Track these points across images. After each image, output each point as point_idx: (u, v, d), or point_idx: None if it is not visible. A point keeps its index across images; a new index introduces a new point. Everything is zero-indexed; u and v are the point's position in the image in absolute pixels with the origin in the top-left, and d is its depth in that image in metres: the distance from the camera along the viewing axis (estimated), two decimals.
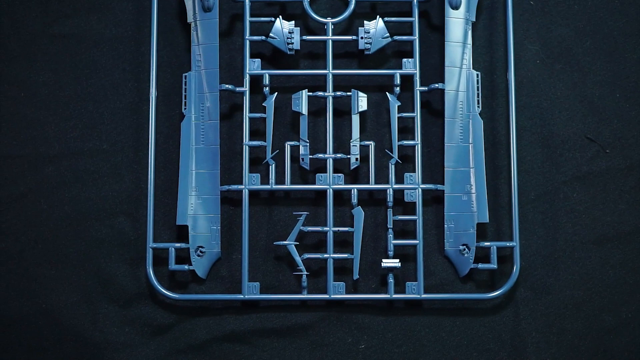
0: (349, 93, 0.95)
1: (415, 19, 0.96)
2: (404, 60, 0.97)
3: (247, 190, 0.94)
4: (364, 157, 0.95)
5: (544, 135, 0.98)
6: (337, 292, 0.94)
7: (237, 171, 0.96)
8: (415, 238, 0.94)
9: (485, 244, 0.95)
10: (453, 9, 0.96)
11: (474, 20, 0.97)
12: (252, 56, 0.97)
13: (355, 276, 0.94)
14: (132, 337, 0.95)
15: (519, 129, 0.97)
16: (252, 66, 0.96)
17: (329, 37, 0.96)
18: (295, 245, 0.94)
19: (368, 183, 0.95)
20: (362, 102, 0.95)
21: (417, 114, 0.95)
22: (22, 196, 0.96)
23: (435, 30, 0.99)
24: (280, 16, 0.96)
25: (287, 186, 0.95)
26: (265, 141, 0.95)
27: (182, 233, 0.95)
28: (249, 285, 0.94)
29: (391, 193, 0.95)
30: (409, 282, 0.95)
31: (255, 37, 0.96)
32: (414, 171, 0.95)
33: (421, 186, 0.95)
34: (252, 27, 0.97)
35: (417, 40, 0.96)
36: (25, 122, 0.97)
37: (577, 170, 0.97)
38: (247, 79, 0.96)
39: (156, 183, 0.95)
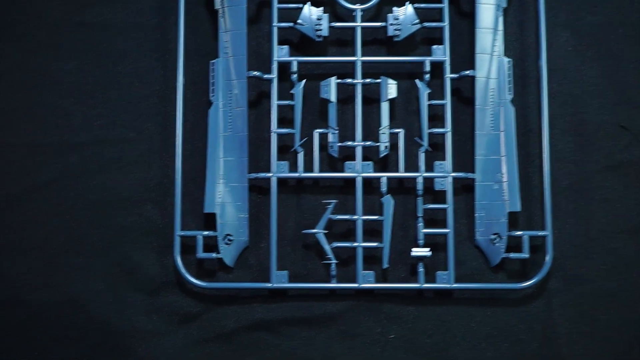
0: (377, 80, 0.94)
1: (445, 5, 0.95)
2: (434, 47, 0.95)
3: (275, 178, 0.93)
4: (393, 145, 0.94)
5: (576, 123, 0.96)
6: (367, 281, 0.92)
7: (264, 159, 0.95)
8: (445, 227, 0.93)
9: (517, 233, 0.93)
10: None
11: (505, 6, 0.95)
12: (280, 43, 0.95)
13: (385, 265, 0.92)
14: (159, 326, 0.94)
15: (551, 117, 0.95)
16: (280, 53, 0.95)
17: (357, 24, 0.95)
18: (324, 234, 0.92)
19: (397, 171, 0.94)
20: (391, 89, 0.94)
21: (448, 101, 0.94)
22: (47, 185, 0.95)
23: (465, 16, 0.98)
24: (309, 2, 0.95)
25: (315, 174, 0.93)
26: (293, 129, 0.93)
27: (209, 221, 0.94)
28: (277, 273, 0.92)
29: (421, 181, 0.93)
30: (440, 271, 0.93)
31: (283, 24, 0.95)
32: (444, 159, 0.94)
33: (452, 174, 0.93)
34: (280, 14, 0.95)
35: (447, 26, 0.95)
36: (50, 111, 0.96)
37: (610, 158, 0.96)
38: (275, 65, 0.94)
39: (183, 171, 0.94)
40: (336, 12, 0.98)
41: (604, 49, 0.97)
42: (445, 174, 0.93)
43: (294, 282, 0.93)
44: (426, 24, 0.95)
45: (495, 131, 0.94)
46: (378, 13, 0.98)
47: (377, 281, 0.93)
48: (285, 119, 0.95)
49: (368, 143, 0.93)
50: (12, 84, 0.96)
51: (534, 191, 0.95)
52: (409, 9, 0.95)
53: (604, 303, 0.94)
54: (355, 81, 0.94)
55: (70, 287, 0.94)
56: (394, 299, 0.94)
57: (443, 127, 0.94)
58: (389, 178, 0.93)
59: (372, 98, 0.95)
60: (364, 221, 0.93)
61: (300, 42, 0.97)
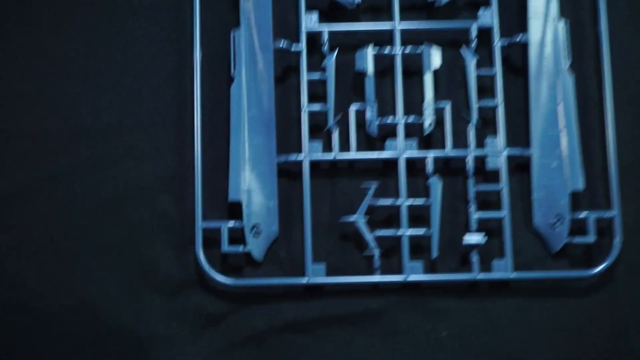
0: (419, 49, 0.85)
1: None
2: (480, 11, 0.86)
3: (307, 160, 0.84)
4: (439, 122, 0.85)
5: None
6: (414, 272, 0.83)
7: (293, 141, 0.86)
8: (499, 210, 0.84)
9: (581, 215, 0.83)
10: None
11: None
12: (308, 10, 0.86)
13: (434, 254, 0.83)
14: (181, 330, 0.85)
15: (613, 86, 0.85)
16: (309, 22, 0.86)
17: None
18: (365, 221, 0.83)
19: (444, 150, 0.85)
20: (435, 58, 0.85)
21: (498, 70, 0.85)
22: (53, 177, 0.86)
23: None
24: None
25: (352, 155, 0.84)
26: (326, 105, 0.84)
27: (233, 212, 0.85)
28: (313, 267, 0.83)
29: (472, 160, 0.84)
30: (496, 259, 0.84)
31: None
32: (495, 135, 0.85)
33: (506, 151, 0.84)
34: None
35: None
36: (56, 98, 0.88)
37: None
38: (303, 35, 0.85)
39: (203, 157, 0.85)
40: None
41: None
42: (498, 152, 0.84)
43: (332, 275, 0.83)
44: None
45: (552, 103, 0.85)
46: None
47: (426, 272, 0.84)
48: (315, 96, 0.86)
49: (411, 119, 0.84)
50: (16, 69, 0.88)
51: (597, 168, 0.86)
52: None
53: None
54: (395, 51, 0.85)
55: (80, 290, 0.85)
56: (443, 292, 0.85)
57: (493, 99, 0.85)
58: (435, 157, 0.84)
59: (411, 70, 0.86)
60: (409, 206, 0.84)
61: (329, 10, 0.88)
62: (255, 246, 0.84)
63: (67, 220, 0.86)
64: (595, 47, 0.87)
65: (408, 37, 0.86)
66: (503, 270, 0.83)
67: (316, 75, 0.85)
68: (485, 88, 0.86)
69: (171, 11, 0.88)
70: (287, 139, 0.86)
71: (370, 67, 0.84)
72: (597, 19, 0.86)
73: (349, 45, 0.86)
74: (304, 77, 0.85)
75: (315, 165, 0.85)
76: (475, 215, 0.84)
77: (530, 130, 0.85)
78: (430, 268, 0.84)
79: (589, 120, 0.86)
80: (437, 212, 0.83)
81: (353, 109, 0.85)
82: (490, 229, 0.85)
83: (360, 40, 0.86)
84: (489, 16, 0.86)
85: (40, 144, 0.87)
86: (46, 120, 0.87)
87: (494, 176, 0.85)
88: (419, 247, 0.84)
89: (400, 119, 0.84)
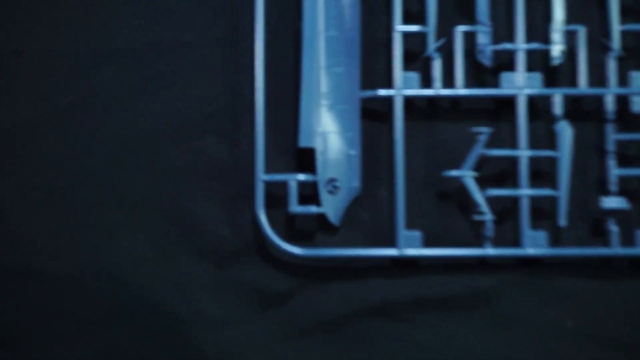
0: None
1: None
2: None
3: (401, 96, 0.68)
4: (569, 50, 0.69)
5: None
6: (536, 244, 0.67)
7: (381, 71, 0.70)
8: None
9: None
10: None
11: None
12: None
13: (562, 222, 0.67)
14: (232, 309, 0.70)
15: None
16: None
17: None
18: (473, 177, 0.67)
19: (575, 86, 0.68)
20: None
21: None
22: (70, 108, 0.71)
23: None
24: None
25: (458, 90, 0.68)
26: (424, 26, 0.68)
27: (304, 162, 0.70)
28: (406, 234, 0.67)
29: (611, 100, 0.68)
30: (638, 230, 0.68)
31: None
32: None
33: None
34: None
35: None
36: (72, 10, 0.72)
37: None
38: None
39: (266, 87, 0.69)
40: None
41: None
42: None
43: (429, 246, 0.68)
44: None
45: None
46: None
47: (549, 245, 0.68)
48: (409, 15, 0.70)
49: (534, 46, 0.68)
50: None
51: None
52: None
53: None
54: None
55: (104, 254, 0.70)
56: (571, 270, 0.69)
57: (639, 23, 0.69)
58: (564, 96, 0.68)
59: None
60: (530, 159, 0.68)
61: None
62: (332, 206, 0.69)
63: (84, 164, 0.71)
64: None
65: None
66: None
67: None
68: (629, 9, 0.70)
69: None
70: (374, 69, 0.71)
71: None
72: None
73: None
74: None
75: (409, 103, 0.69)
76: (614, 172, 0.68)
77: None
78: (554, 240, 0.69)
79: None
80: (566, 168, 0.67)
81: (460, 31, 0.69)
82: (633, 190, 0.69)
83: None
84: None
85: (55, 67, 0.71)
86: (59, 37, 0.72)
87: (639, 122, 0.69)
88: (540, 212, 0.69)
89: (520, 45, 0.68)
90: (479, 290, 0.69)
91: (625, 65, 0.69)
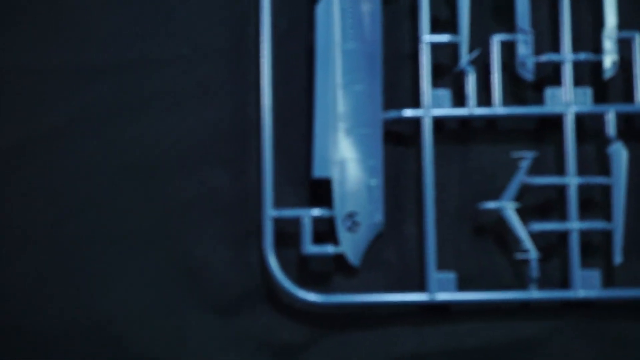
0: None
1: None
2: None
3: (430, 117, 0.63)
4: (623, 60, 0.64)
5: None
6: (589, 285, 0.62)
7: (406, 88, 0.65)
8: None
9: None
10: None
11: None
12: None
13: (618, 259, 0.62)
14: None
15: None
16: None
17: None
18: (515, 209, 0.63)
19: (630, 102, 0.64)
20: None
21: None
22: (53, 133, 0.66)
23: None
24: None
25: (495, 109, 0.63)
26: (456, 35, 0.63)
27: (319, 194, 0.66)
28: (438, 277, 0.63)
29: None
30: None
31: None
32: None
33: None
34: None
35: None
36: (65, 21, 0.68)
37: None
38: None
39: (275, 109, 0.65)
40: None
41: None
42: None
43: (464, 290, 0.64)
44: None
45: None
46: None
47: (603, 286, 0.63)
48: (439, 22, 0.65)
49: (582, 57, 0.63)
50: None
51: None
52: None
53: None
54: None
55: (95, 306, 0.66)
56: (627, 314, 0.64)
57: None
58: (618, 113, 0.63)
59: None
60: (580, 186, 0.63)
61: None
62: (351, 245, 0.64)
63: (68, 200, 0.67)
64: None
65: None
66: None
67: None
68: None
69: None
70: (398, 86, 0.66)
71: None
72: None
73: None
74: None
75: (439, 124, 0.65)
76: None
77: None
78: (608, 280, 0.64)
79: None
80: (621, 196, 0.62)
81: (497, 40, 0.64)
82: None
83: None
84: None
85: (41, 83, 0.68)
86: (49, 52, 0.68)
87: None
88: (592, 248, 0.65)
89: (567, 55, 0.63)
90: (522, 339, 0.65)
91: None
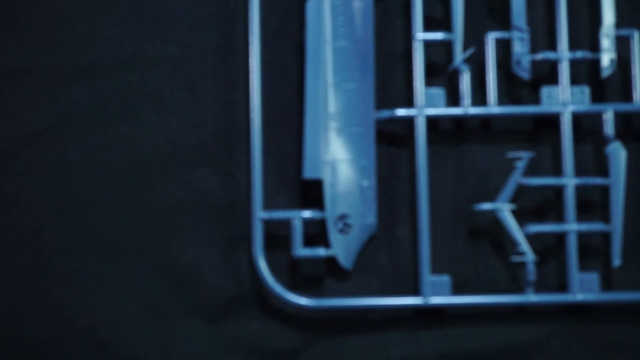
0: None
1: None
2: None
3: (423, 117, 0.62)
4: (620, 59, 0.64)
5: None
6: (587, 289, 0.62)
7: (399, 87, 0.65)
8: None
9: None
10: None
11: None
12: None
13: (616, 262, 0.62)
14: None
15: None
16: None
17: None
18: (510, 210, 0.62)
19: (628, 101, 0.63)
20: None
21: None
22: (33, 136, 0.65)
23: None
24: None
25: (490, 108, 0.63)
26: (450, 33, 0.63)
27: (309, 196, 0.65)
28: (432, 280, 0.62)
29: None
30: None
31: None
32: None
33: None
34: None
35: None
36: (48, 20, 0.67)
37: None
38: None
39: (264, 109, 0.64)
40: None
41: None
42: None
43: (459, 293, 0.63)
44: None
45: None
46: None
47: (601, 289, 0.63)
48: (433, 19, 0.65)
49: (579, 55, 0.63)
50: None
51: None
52: None
53: None
54: None
55: (80, 312, 0.65)
56: (626, 318, 0.64)
57: None
58: (616, 112, 0.62)
59: None
60: (577, 187, 0.62)
61: None
62: (343, 248, 0.64)
63: (53, 202, 0.66)
64: None
65: None
66: None
67: None
68: None
69: None
70: (391, 85, 0.66)
71: None
72: None
73: None
74: None
75: (433, 124, 0.65)
76: None
77: None
78: (607, 283, 0.64)
79: None
80: (620, 197, 0.62)
81: (492, 38, 0.63)
82: None
83: None
84: None
85: (19, 86, 0.67)
86: (31, 52, 0.67)
87: None
88: (590, 250, 0.64)
89: (563, 53, 0.63)
90: (519, 343, 0.64)
91: None
